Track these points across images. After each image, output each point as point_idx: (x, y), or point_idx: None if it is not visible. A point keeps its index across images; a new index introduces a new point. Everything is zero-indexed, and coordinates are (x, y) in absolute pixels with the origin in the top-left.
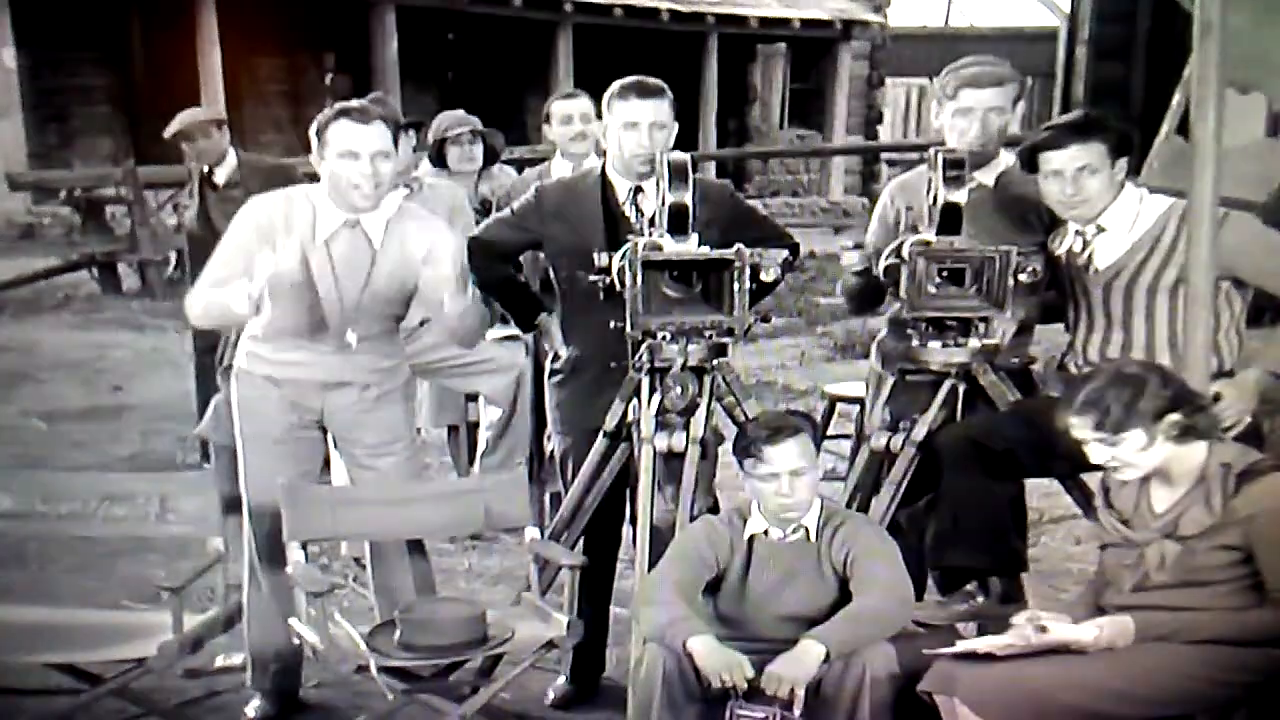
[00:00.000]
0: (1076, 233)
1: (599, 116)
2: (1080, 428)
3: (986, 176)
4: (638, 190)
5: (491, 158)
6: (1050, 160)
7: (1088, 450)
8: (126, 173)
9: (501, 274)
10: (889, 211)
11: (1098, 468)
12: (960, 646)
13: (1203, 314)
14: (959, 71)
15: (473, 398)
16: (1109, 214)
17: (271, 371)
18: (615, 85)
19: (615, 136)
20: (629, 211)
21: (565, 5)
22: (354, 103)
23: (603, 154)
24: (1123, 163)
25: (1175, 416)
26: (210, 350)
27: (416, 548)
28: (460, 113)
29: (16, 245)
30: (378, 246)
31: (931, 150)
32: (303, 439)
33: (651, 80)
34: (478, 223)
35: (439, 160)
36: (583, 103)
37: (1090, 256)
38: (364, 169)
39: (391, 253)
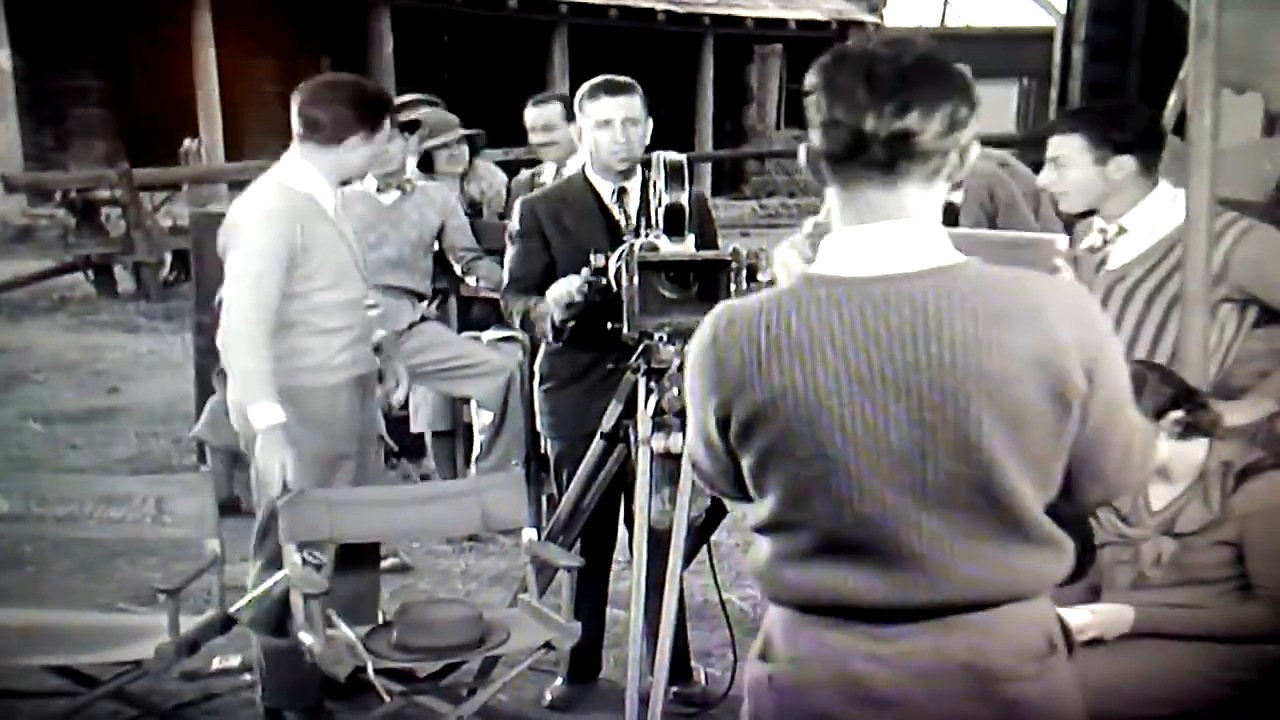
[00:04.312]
0: (1100, 230)
1: (570, 120)
2: None
3: None
4: (621, 191)
5: (472, 154)
6: (1048, 148)
7: None
8: (122, 175)
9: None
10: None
11: None
12: None
13: (1198, 318)
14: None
15: (465, 400)
16: (1132, 215)
17: (347, 374)
18: (584, 86)
19: (590, 136)
20: (616, 213)
21: (560, 7)
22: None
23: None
24: (1123, 160)
25: (1177, 414)
26: (213, 350)
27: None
28: (444, 114)
29: (12, 247)
30: (341, 212)
31: None
32: (350, 454)
33: (620, 78)
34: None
35: (425, 164)
36: (546, 110)
37: (1105, 256)
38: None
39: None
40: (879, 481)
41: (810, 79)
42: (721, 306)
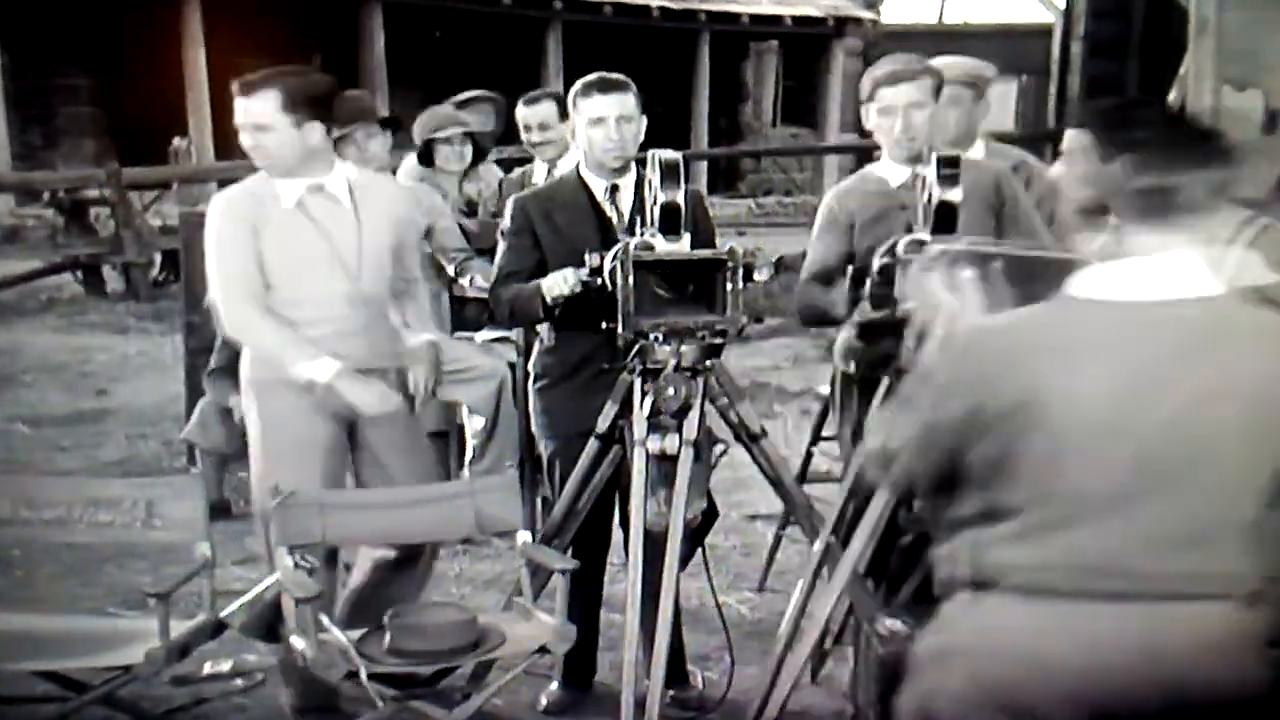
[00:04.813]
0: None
1: (564, 118)
2: None
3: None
4: (614, 189)
5: (479, 157)
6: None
7: None
8: (110, 174)
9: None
10: (839, 218)
11: None
12: None
13: None
14: (873, 74)
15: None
16: None
17: (343, 366)
18: (578, 84)
19: (584, 134)
20: (609, 211)
21: (555, 3)
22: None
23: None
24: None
25: None
26: (204, 351)
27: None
28: (449, 110)
29: (0, 248)
30: (348, 205)
31: (926, 148)
32: (337, 448)
33: (614, 75)
34: (460, 224)
35: (426, 159)
36: (540, 109)
37: None
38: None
39: (369, 209)
40: (1114, 479)
41: (1084, 139)
42: (969, 325)
